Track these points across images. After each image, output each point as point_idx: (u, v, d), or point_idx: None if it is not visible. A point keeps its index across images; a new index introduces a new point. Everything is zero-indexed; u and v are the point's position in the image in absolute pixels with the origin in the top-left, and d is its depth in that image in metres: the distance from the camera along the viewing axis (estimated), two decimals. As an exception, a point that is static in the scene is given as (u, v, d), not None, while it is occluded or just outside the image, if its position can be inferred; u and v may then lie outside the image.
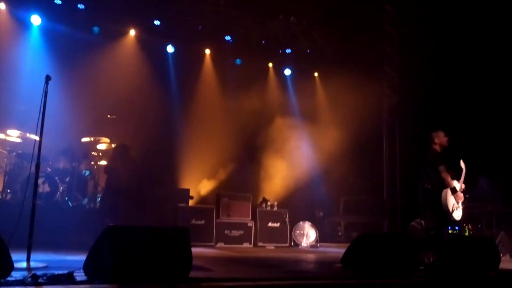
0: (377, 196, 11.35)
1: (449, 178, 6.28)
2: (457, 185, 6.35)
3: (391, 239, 5.31)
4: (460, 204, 6.27)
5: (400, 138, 11.59)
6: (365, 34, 10.56)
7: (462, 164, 6.46)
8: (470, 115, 9.18)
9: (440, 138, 6.56)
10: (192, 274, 3.90)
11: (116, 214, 7.44)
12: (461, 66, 9.40)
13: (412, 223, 7.20)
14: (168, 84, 10.19)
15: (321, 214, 10.57)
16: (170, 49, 10.40)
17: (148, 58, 9.92)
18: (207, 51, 10.90)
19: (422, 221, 6.67)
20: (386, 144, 11.86)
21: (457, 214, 6.26)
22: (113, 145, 8.47)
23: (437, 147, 6.52)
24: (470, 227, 7.78)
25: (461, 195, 6.30)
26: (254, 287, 3.74)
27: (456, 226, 6.46)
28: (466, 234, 7.77)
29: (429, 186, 6.41)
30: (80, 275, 3.61)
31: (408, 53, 10.66)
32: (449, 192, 6.23)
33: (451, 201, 6.22)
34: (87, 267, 3.67)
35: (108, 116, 8.55)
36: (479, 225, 8.11)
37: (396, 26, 11.30)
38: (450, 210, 6.18)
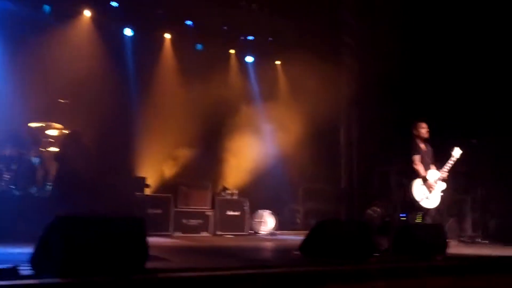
0: (335, 184, 11.53)
1: (420, 168, 6.49)
2: (436, 173, 6.53)
3: (348, 226, 5.40)
4: (432, 192, 6.46)
5: (358, 127, 11.79)
6: (325, 23, 10.61)
7: (455, 152, 6.57)
8: (430, 104, 9.40)
9: (417, 129, 6.77)
10: (149, 264, 3.80)
11: (67, 204, 7.14)
12: (420, 57, 9.57)
13: (368, 210, 7.41)
14: (126, 69, 9.82)
15: (287, 201, 10.62)
16: (128, 32, 10.03)
17: (105, 41, 9.50)
18: (167, 36, 10.60)
19: (378, 209, 6.87)
20: (344, 133, 12.04)
21: (427, 202, 6.48)
22: (65, 131, 8.12)
23: (417, 138, 6.72)
24: (422, 213, 8.04)
25: (432, 184, 6.47)
26: (212, 277, 3.69)
27: (427, 213, 6.64)
28: (418, 220, 8.03)
29: (404, 178, 6.67)
30: (26, 269, 3.41)
31: (367, 43, 10.79)
32: (419, 181, 6.46)
33: (420, 190, 6.44)
34: (34, 260, 3.46)
35: (60, 101, 8.17)
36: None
37: (355, 16, 11.41)
38: (418, 199, 6.40)
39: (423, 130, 6.75)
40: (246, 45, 11.37)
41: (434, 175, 6.57)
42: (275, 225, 9.33)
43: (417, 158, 6.57)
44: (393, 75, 9.45)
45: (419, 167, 6.54)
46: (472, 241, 7.71)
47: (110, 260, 3.59)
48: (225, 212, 9.04)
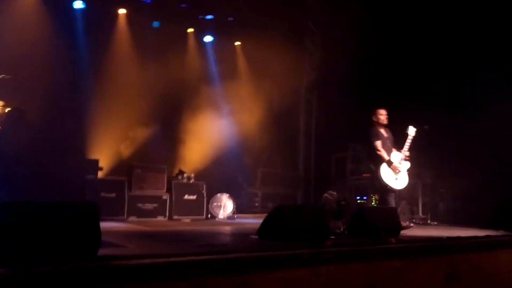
0: (293, 168, 11.64)
1: (382, 153, 6.72)
2: (398, 155, 6.78)
3: (304, 210, 5.46)
4: (399, 174, 6.68)
5: (317, 113, 11.91)
6: (289, 6, 10.52)
7: (410, 131, 6.85)
8: (388, 92, 9.58)
9: (377, 116, 7.02)
10: (102, 251, 3.67)
11: (11, 187, 6.79)
12: (381, 46, 9.71)
13: (325, 194, 7.50)
14: (76, 44, 9.24)
15: (245, 185, 10.61)
16: (79, 4, 9.40)
17: (53, 13, 8.87)
18: (122, 11, 10.09)
19: (334, 193, 7.01)
20: (303, 119, 12.13)
21: (397, 184, 6.72)
22: (7, 109, 7.64)
23: (376, 124, 6.97)
24: (376, 197, 8.27)
25: (397, 166, 6.70)
26: (168, 263, 3.62)
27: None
28: (373, 204, 8.26)
29: (371, 163, 6.85)
30: None
31: (329, 31, 10.82)
32: (385, 166, 6.68)
33: (388, 174, 6.66)
34: None
35: (3, 76, 7.68)
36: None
37: (320, 2, 11.39)
38: (388, 183, 6.63)
39: (382, 116, 6.98)
40: (205, 24, 11.09)
41: (397, 156, 6.78)
42: (233, 209, 9.31)
43: (378, 143, 6.80)
44: (353, 64, 9.54)
45: (382, 152, 6.75)
46: (423, 223, 8.03)
47: (59, 248, 3.44)
48: (182, 196, 8.93)
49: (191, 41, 11.08)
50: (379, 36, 9.63)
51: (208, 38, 11.30)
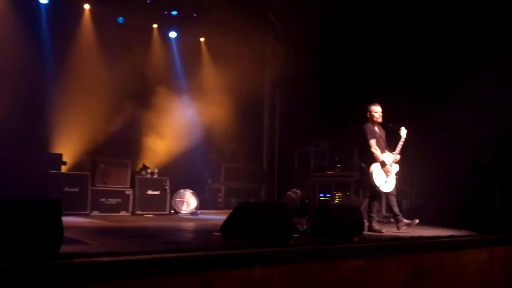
0: (257, 163, 11.71)
1: (377, 152, 6.36)
2: (390, 156, 6.44)
3: (269, 208, 5.51)
4: (389, 177, 6.36)
5: (281, 108, 12.00)
6: (252, 1, 10.55)
7: (402, 132, 6.48)
8: (350, 90, 9.70)
9: (371, 113, 6.60)
10: (64, 248, 3.63)
11: None
12: (345, 42, 9.83)
13: (289, 192, 7.52)
14: (40, 38, 9.14)
15: (209, 181, 10.60)
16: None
17: (17, 7, 8.75)
18: (86, 6, 9.97)
19: (298, 190, 7.00)
20: (267, 114, 12.20)
21: (386, 187, 6.38)
22: None
23: (370, 121, 6.57)
24: (340, 194, 8.39)
25: (389, 168, 6.36)
26: (131, 261, 3.61)
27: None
28: (336, 201, 8.37)
29: (362, 163, 6.53)
30: None
31: (292, 25, 10.88)
32: (377, 166, 6.34)
33: (379, 175, 6.34)
34: None
35: None
36: (348, 193, 8.78)
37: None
38: (378, 184, 6.31)
39: (377, 114, 6.59)
40: (170, 20, 11.02)
41: (389, 158, 6.48)
42: (197, 205, 9.31)
43: (373, 142, 6.42)
44: (317, 58, 9.63)
45: (377, 152, 6.41)
46: (386, 221, 8.12)
47: (20, 245, 3.39)
48: (145, 191, 8.89)
49: (156, 37, 11.00)
50: (344, 29, 9.71)
51: (172, 34, 11.22)
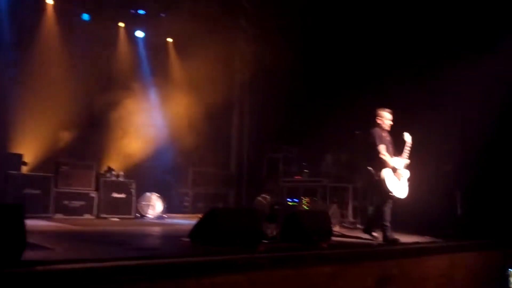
0: (225, 168, 11.65)
1: (387, 158, 6.15)
2: (401, 161, 6.23)
3: (239, 214, 5.50)
4: (401, 182, 6.16)
5: (250, 112, 11.97)
6: (221, 3, 10.50)
7: (407, 137, 6.30)
8: (320, 96, 9.75)
9: (381, 119, 6.38)
10: (26, 255, 3.51)
11: None
12: (316, 44, 9.87)
13: (258, 197, 7.53)
14: (1, 36, 8.79)
15: (174, 184, 10.46)
16: None
17: None
18: (49, 1, 9.61)
19: (267, 196, 6.98)
20: (236, 118, 12.16)
21: (399, 192, 6.16)
22: None
23: (378, 126, 6.36)
24: (307, 199, 8.41)
25: (401, 172, 6.17)
26: (97, 269, 3.51)
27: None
28: (304, 207, 8.38)
29: (371, 168, 6.25)
30: None
31: (261, 28, 10.90)
32: (389, 172, 6.12)
33: (392, 181, 6.11)
34: None
35: None
36: (315, 198, 8.83)
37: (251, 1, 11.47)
38: (392, 190, 6.07)
39: (387, 121, 6.38)
40: (137, 19, 10.82)
41: (400, 163, 6.25)
42: (163, 209, 9.18)
43: (383, 147, 6.18)
44: (288, 63, 9.66)
45: (387, 157, 6.17)
46: (353, 227, 8.13)
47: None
48: (110, 194, 8.72)
49: (122, 36, 10.75)
50: (312, 33, 9.72)
51: (139, 33, 11.02)
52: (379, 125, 6.37)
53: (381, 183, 6.10)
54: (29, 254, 3.56)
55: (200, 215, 5.53)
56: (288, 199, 9.09)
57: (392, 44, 8.82)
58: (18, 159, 8.11)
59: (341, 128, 8.18)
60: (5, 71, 8.65)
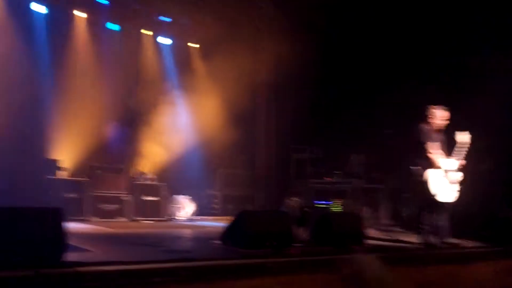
0: (253, 169, 11.69)
1: (434, 157, 5.73)
2: (452, 162, 5.77)
3: (268, 216, 5.52)
4: (450, 184, 5.72)
5: (277, 112, 11.96)
6: (243, 6, 10.57)
7: (459, 137, 5.77)
8: (346, 95, 9.61)
9: (433, 118, 5.95)
10: (68, 256, 3.67)
11: None
12: (337, 43, 9.77)
13: (288, 200, 7.48)
14: (37, 47, 9.19)
15: (204, 186, 10.58)
16: (39, 8, 9.30)
17: (14, 17, 8.83)
18: (81, 14, 10.00)
19: (297, 198, 6.92)
20: (262, 118, 12.18)
21: (445, 196, 5.73)
22: None
23: (429, 123, 5.93)
24: (338, 202, 8.29)
25: (452, 175, 5.73)
26: (133, 271, 3.63)
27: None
28: (336, 210, 8.26)
29: (415, 167, 5.85)
30: None
31: (285, 29, 10.88)
32: (434, 172, 5.74)
33: (436, 182, 5.71)
34: None
35: None
36: (346, 200, 8.69)
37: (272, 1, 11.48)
38: (435, 193, 5.70)
39: (441, 121, 5.93)
40: (163, 26, 11.05)
41: (452, 164, 5.75)
42: (193, 211, 9.31)
43: (430, 145, 5.74)
44: (312, 64, 9.63)
45: (434, 156, 5.73)
46: (388, 229, 7.69)
47: (24, 253, 3.42)
48: (142, 197, 8.90)
49: (149, 43, 11.02)
50: (337, 31, 9.65)
51: (165, 40, 11.26)
52: (428, 123, 5.94)
53: (424, 185, 5.73)
54: (69, 256, 3.71)
55: (229, 218, 5.58)
56: (317, 201, 9.01)
57: (422, 39, 8.61)
58: (55, 165, 8.43)
59: (369, 127, 8.04)
60: (42, 82, 9.04)
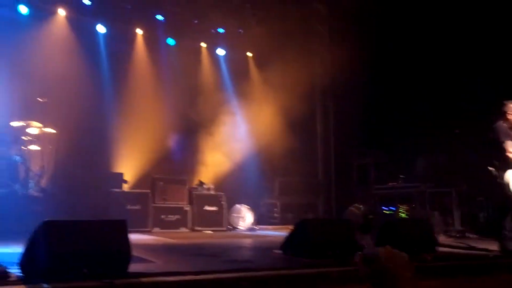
0: (312, 177, 11.53)
1: None
2: None
3: (330, 224, 5.38)
4: None
5: (335, 117, 11.76)
6: (297, 12, 10.50)
7: None
8: (407, 95, 9.27)
9: (506, 111, 5.54)
10: (132, 266, 3.74)
11: (46, 202, 7.08)
12: (396, 42, 9.46)
13: (351, 207, 7.21)
14: (100, 65, 9.70)
15: (262, 195, 10.56)
16: (100, 29, 9.85)
17: (79, 38, 9.43)
18: (139, 31, 10.42)
19: (360, 206, 6.65)
20: (320, 124, 12.02)
21: None
22: (46, 130, 7.97)
23: (506, 120, 5.55)
24: (405, 207, 7.91)
25: None
26: (196, 281, 3.63)
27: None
28: (403, 215, 7.85)
29: (492, 168, 5.50)
30: (14, 272, 3.50)
31: (340, 30, 10.68)
32: None
33: None
34: (22, 263, 3.54)
35: (39, 99, 8.01)
36: (413, 205, 8.25)
37: (328, 4, 11.34)
38: None
39: None
40: (217, 38, 11.23)
41: None
42: (253, 220, 9.30)
43: (510, 144, 5.38)
44: (370, 64, 9.37)
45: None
46: (460, 236, 7.36)
47: (94, 264, 3.54)
48: (203, 207, 8.99)
49: (205, 55, 11.25)
50: (395, 35, 9.35)
51: (220, 51, 11.42)
52: (506, 120, 5.54)
53: (503, 187, 5.34)
54: (134, 267, 3.77)
55: (290, 226, 5.51)
56: (384, 208, 8.57)
57: (490, 36, 8.16)
58: (119, 178, 8.72)
59: (435, 127, 7.63)
60: (104, 99, 9.48)
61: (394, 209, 8.27)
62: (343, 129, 11.13)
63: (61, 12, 9.42)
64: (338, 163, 11.46)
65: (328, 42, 11.65)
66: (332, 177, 11.55)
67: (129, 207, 8.06)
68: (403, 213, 7.78)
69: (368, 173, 10.01)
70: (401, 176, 8.87)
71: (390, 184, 9.06)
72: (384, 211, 8.29)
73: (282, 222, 10.00)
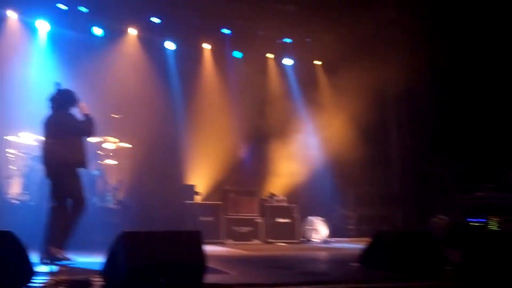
0: (388, 187, 11.06)
1: None
2: None
3: (410, 237, 5.08)
4: None
5: (410, 125, 11.25)
6: (367, 18, 10.22)
7: None
8: (487, 102, 8.79)
9: None
10: (207, 277, 3.76)
11: (123, 214, 7.36)
12: (471, 46, 9.00)
13: (434, 218, 6.74)
14: (171, 81, 10.04)
15: (336, 207, 10.30)
16: (170, 45, 10.20)
17: (150, 56, 9.81)
18: (207, 46, 10.64)
19: (445, 217, 6.19)
20: (395, 132, 11.55)
21: None
22: (122, 144, 8.33)
23: None
24: (498, 219, 7.24)
25: None
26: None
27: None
28: (494, 228, 7.21)
29: None
30: (98, 281, 3.67)
31: (414, 37, 10.28)
32: None
33: None
34: (105, 272, 3.69)
35: (114, 116, 8.40)
36: (504, 218, 7.52)
37: (399, 9, 10.94)
38: None
39: None
40: (284, 48, 11.17)
41: None
42: (328, 232, 9.05)
43: None
44: (446, 68, 8.92)
45: None
46: None
47: (171, 274, 3.59)
48: (275, 219, 8.89)
49: (272, 66, 11.24)
50: (471, 38, 8.91)
51: (288, 61, 11.36)
52: None
53: None
54: (209, 277, 3.76)
55: (366, 239, 5.33)
56: (471, 219, 7.89)
57: None
58: (191, 190, 8.89)
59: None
60: (176, 113, 9.77)
61: (483, 221, 7.56)
62: (420, 137, 10.65)
63: (132, 31, 9.82)
64: (415, 172, 10.93)
65: (401, 48, 11.23)
66: (409, 187, 11.01)
67: (202, 218, 8.15)
68: (494, 225, 7.13)
69: (450, 183, 9.41)
70: (488, 185, 8.18)
71: (476, 193, 8.37)
72: (470, 223, 7.62)
73: (357, 234, 9.66)
